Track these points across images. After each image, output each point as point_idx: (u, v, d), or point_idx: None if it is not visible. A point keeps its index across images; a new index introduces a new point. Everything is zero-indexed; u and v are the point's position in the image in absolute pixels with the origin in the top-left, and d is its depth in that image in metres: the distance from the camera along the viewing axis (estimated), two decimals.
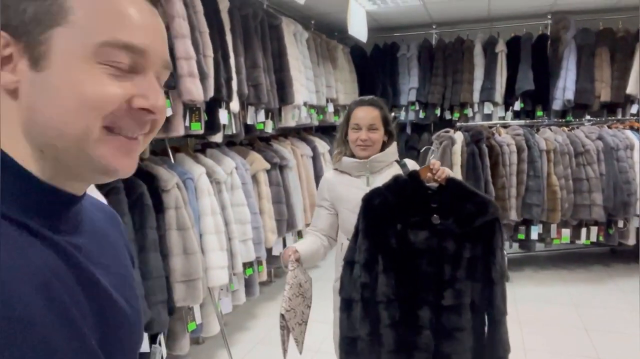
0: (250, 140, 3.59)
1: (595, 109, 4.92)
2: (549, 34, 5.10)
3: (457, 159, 3.56)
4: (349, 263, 1.56)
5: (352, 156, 1.83)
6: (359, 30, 4.27)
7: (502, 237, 1.52)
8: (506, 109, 5.17)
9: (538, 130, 4.05)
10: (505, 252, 3.36)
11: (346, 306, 1.55)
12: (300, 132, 4.47)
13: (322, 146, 4.36)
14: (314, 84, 4.18)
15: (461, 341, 1.47)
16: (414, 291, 1.47)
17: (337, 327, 1.63)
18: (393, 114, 5.36)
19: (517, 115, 5.09)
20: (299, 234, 3.67)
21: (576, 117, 4.79)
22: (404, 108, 5.55)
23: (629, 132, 4.05)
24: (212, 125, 2.73)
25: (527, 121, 4.30)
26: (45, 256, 0.45)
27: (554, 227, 3.89)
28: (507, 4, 4.76)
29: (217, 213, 2.60)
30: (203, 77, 2.47)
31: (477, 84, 5.22)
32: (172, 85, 2.26)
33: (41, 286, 0.43)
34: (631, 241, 3.97)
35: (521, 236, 3.92)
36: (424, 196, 1.50)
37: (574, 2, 4.71)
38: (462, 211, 1.46)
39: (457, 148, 3.58)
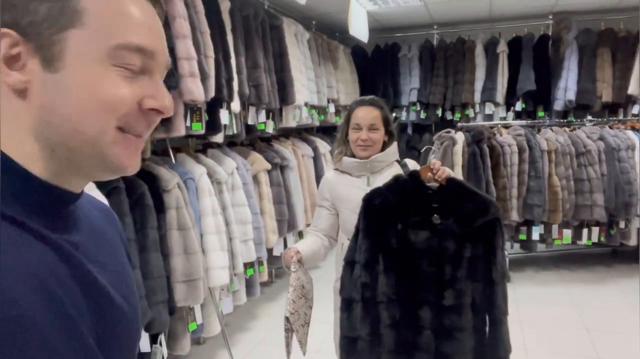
0: (251, 140, 3.59)
1: (597, 110, 4.91)
2: (550, 34, 5.09)
3: (458, 159, 3.56)
4: (349, 263, 1.56)
5: (353, 156, 1.83)
6: (360, 30, 4.27)
7: (502, 237, 1.51)
8: (507, 110, 5.17)
9: (539, 130, 4.04)
10: (506, 253, 3.37)
11: (346, 306, 1.54)
12: (301, 133, 4.47)
13: (323, 146, 4.36)
14: (315, 85, 4.18)
15: (462, 341, 1.47)
16: (414, 291, 1.47)
17: (338, 327, 1.63)
18: (394, 114, 5.36)
19: (518, 115, 5.08)
20: (300, 235, 3.67)
21: (577, 117, 4.78)
22: (405, 108, 5.55)
23: (630, 133, 4.04)
24: (213, 125, 2.73)
25: (529, 122, 4.30)
26: (43, 255, 0.45)
27: (555, 227, 3.89)
28: (508, 5, 4.75)
29: (218, 213, 2.60)
30: (204, 78, 2.47)
31: (479, 85, 5.21)
32: (173, 86, 2.26)
33: (39, 285, 0.43)
34: (632, 241, 3.96)
35: (522, 237, 3.91)
36: (425, 195, 1.50)
37: (575, 3, 4.70)
38: (462, 210, 1.46)
39: (458, 148, 3.57)
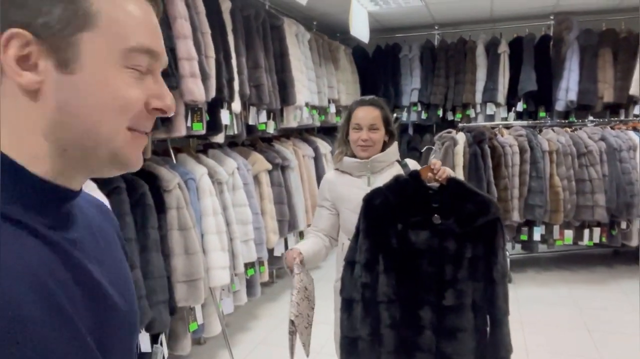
0: (252, 140, 3.60)
1: (598, 110, 4.91)
2: (551, 34, 5.09)
3: (460, 160, 3.55)
4: (349, 263, 1.55)
5: (353, 156, 1.82)
6: (360, 31, 4.27)
7: (503, 237, 1.51)
8: (509, 110, 5.17)
9: (541, 131, 4.04)
10: (507, 253, 3.36)
11: (347, 306, 1.54)
12: (302, 133, 4.47)
13: (323, 146, 4.36)
14: (316, 85, 4.18)
15: (463, 341, 1.47)
16: (414, 291, 1.47)
17: (339, 327, 1.63)
18: (395, 114, 5.36)
19: (519, 116, 5.08)
20: (301, 235, 3.67)
21: (579, 118, 4.78)
22: (406, 109, 5.54)
23: (631, 133, 4.03)
24: (214, 125, 2.73)
25: (530, 122, 4.29)
26: (40, 254, 0.45)
27: (556, 228, 3.88)
28: (509, 5, 4.75)
29: (218, 213, 2.60)
30: (205, 78, 2.48)
31: (480, 85, 5.21)
32: (174, 86, 2.27)
33: (37, 284, 0.43)
34: (634, 242, 3.95)
35: (524, 237, 3.91)
36: (425, 195, 1.49)
37: (576, 3, 4.70)
38: (463, 210, 1.46)
39: (460, 149, 3.57)
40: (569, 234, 3.92)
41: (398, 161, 1.84)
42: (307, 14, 4.61)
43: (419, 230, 1.47)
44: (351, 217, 1.65)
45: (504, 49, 5.11)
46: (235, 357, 2.75)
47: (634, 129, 4.13)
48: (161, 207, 2.27)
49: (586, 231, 3.93)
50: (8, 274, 0.40)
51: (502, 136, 3.84)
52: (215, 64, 2.63)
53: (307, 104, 3.97)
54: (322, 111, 4.48)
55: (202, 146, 3.12)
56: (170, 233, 2.30)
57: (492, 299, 1.49)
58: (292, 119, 3.74)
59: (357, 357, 1.51)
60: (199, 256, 2.36)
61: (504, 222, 3.62)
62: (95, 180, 1.95)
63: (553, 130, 4.03)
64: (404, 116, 5.55)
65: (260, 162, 3.25)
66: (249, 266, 2.97)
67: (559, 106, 4.90)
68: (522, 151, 3.72)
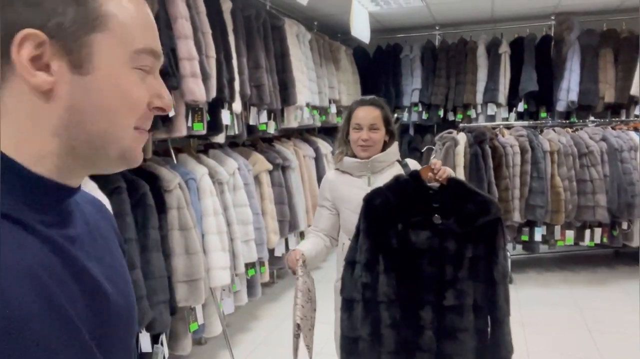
0: (252, 141, 3.60)
1: (599, 110, 4.90)
2: (552, 35, 5.08)
3: (460, 160, 3.55)
4: (350, 263, 1.55)
5: (354, 156, 1.82)
6: (361, 31, 4.27)
7: (504, 237, 1.51)
8: (510, 110, 5.16)
9: (542, 131, 4.03)
10: (508, 254, 3.36)
11: (347, 306, 1.54)
12: (303, 133, 4.47)
13: (324, 147, 4.36)
14: (317, 85, 4.18)
15: (463, 341, 1.47)
16: (415, 291, 1.47)
17: (339, 327, 1.63)
18: (396, 115, 5.35)
19: (520, 116, 5.07)
20: (301, 235, 3.67)
21: (580, 118, 4.77)
22: (406, 109, 5.54)
23: (633, 134, 4.03)
24: (215, 126, 2.73)
25: (531, 122, 4.28)
26: (39, 252, 0.45)
27: (557, 228, 3.87)
28: (510, 5, 4.75)
29: (219, 214, 2.60)
30: (205, 78, 2.48)
31: (481, 85, 5.21)
32: (174, 86, 2.27)
33: (35, 283, 0.43)
34: (635, 242, 3.94)
35: (525, 238, 3.90)
36: (425, 195, 1.49)
37: (577, 3, 4.69)
38: (463, 210, 1.46)
39: (460, 149, 3.57)
40: (570, 234, 3.91)
41: (398, 161, 1.84)
42: (308, 15, 4.61)
43: (420, 230, 1.47)
44: (351, 217, 1.65)
45: (504, 49, 5.11)
46: (235, 357, 2.75)
47: (635, 129, 4.13)
48: (162, 208, 2.27)
49: (587, 232, 3.93)
50: (7, 273, 0.40)
51: (503, 136, 3.84)
52: (216, 64, 2.64)
53: (307, 105, 3.97)
54: (322, 111, 4.48)
55: (203, 146, 3.13)
56: (170, 233, 2.30)
57: (493, 300, 1.48)
58: (293, 120, 3.74)
59: (357, 357, 1.51)
60: (200, 256, 2.36)
61: (505, 223, 3.62)
62: (95, 180, 1.96)
63: (554, 130, 4.03)
64: (405, 116, 5.54)
65: (261, 162, 3.25)
66: (249, 266, 2.97)
67: (560, 106, 4.90)
68: (523, 151, 3.71)
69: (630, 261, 4.19)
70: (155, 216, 2.19)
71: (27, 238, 0.44)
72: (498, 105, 5.15)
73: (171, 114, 2.31)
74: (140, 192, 2.15)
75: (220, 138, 2.90)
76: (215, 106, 2.70)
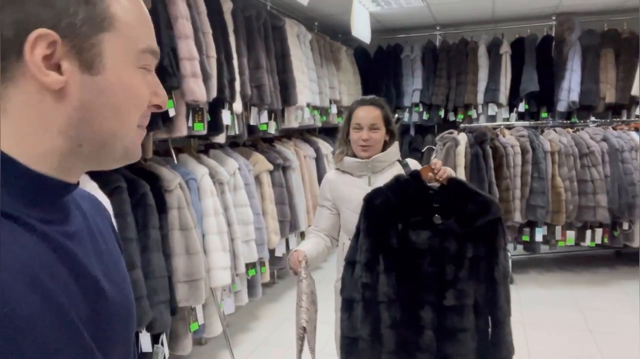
0: (253, 141, 3.60)
1: (600, 111, 4.90)
2: (553, 35, 5.08)
3: (461, 160, 3.55)
4: (350, 263, 1.55)
5: (354, 155, 1.82)
6: (362, 31, 4.27)
7: (504, 238, 1.51)
8: (510, 111, 5.16)
9: (542, 131, 4.03)
10: (509, 254, 3.35)
11: (347, 306, 1.54)
12: (304, 134, 4.47)
13: (325, 147, 4.36)
14: (317, 86, 4.18)
15: (464, 342, 1.46)
16: (415, 291, 1.47)
17: (339, 327, 1.62)
18: (397, 115, 5.35)
19: (521, 116, 5.07)
20: (302, 236, 3.67)
21: (581, 118, 4.77)
22: (407, 110, 5.54)
23: (634, 134, 4.02)
24: (215, 126, 2.73)
25: (532, 123, 4.28)
26: (38, 251, 0.45)
27: (558, 229, 3.87)
28: (511, 6, 4.75)
29: (219, 214, 2.60)
30: (206, 78, 2.48)
31: (482, 86, 5.20)
32: (175, 86, 2.27)
33: (33, 281, 0.42)
34: (636, 243, 3.93)
35: (525, 238, 3.90)
36: (426, 195, 1.49)
37: (578, 4, 4.69)
38: (463, 210, 1.46)
39: (461, 149, 3.57)
40: (570, 235, 3.91)
41: (399, 161, 1.84)
42: (309, 15, 4.61)
43: (420, 230, 1.47)
44: (352, 217, 1.65)
45: (505, 49, 5.11)
46: (236, 357, 2.75)
47: (636, 129, 4.12)
48: (162, 208, 2.27)
49: (588, 232, 3.92)
50: (6, 272, 0.40)
51: (503, 136, 3.83)
52: (217, 64, 2.64)
53: (308, 105, 3.97)
54: (323, 111, 4.48)
55: (204, 146, 3.13)
56: (171, 233, 2.30)
57: (494, 300, 1.48)
58: (294, 120, 3.74)
59: (357, 357, 1.51)
60: (200, 256, 2.36)
61: (506, 223, 3.63)
62: (96, 180, 1.96)
63: (555, 130, 4.02)
64: (406, 117, 5.54)
65: (261, 162, 3.25)
66: (250, 266, 2.97)
67: (561, 107, 4.89)
68: (523, 152, 3.71)
69: (631, 261, 4.19)
70: (156, 216, 2.19)
71: (25, 236, 0.44)
72: (499, 105, 5.14)
73: (172, 114, 2.31)
74: (140, 192, 2.15)
75: (220, 138, 2.90)
76: (215, 106, 2.70)
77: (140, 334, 2.09)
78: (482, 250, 1.48)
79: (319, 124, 4.45)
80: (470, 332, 1.47)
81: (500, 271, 1.48)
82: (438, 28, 5.58)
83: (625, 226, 3.92)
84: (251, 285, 3.10)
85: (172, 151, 2.67)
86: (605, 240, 3.95)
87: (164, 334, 2.26)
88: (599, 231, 3.92)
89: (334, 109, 4.66)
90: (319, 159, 4.21)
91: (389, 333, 1.46)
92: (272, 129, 3.44)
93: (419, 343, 1.46)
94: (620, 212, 3.81)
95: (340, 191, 1.82)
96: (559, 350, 2.84)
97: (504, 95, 5.09)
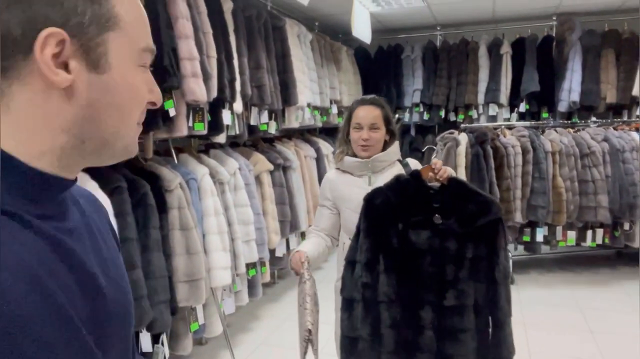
0: (253, 141, 3.60)
1: (601, 111, 4.89)
2: (554, 35, 5.08)
3: (462, 160, 3.54)
4: (350, 263, 1.55)
5: (354, 155, 1.82)
6: (363, 31, 4.27)
7: (505, 238, 1.50)
8: (511, 111, 5.15)
9: (543, 131, 4.03)
10: (510, 254, 3.35)
11: (347, 305, 1.54)
12: (304, 134, 4.47)
13: (325, 147, 4.36)
14: (318, 86, 4.18)
15: (464, 342, 1.46)
16: (415, 291, 1.46)
17: (339, 327, 1.62)
18: (397, 115, 5.35)
19: (522, 117, 5.06)
20: (302, 236, 3.67)
21: (582, 118, 4.76)
22: (408, 110, 5.54)
23: (634, 134, 4.02)
24: (216, 126, 2.73)
25: (532, 123, 4.28)
26: (37, 248, 0.45)
27: (559, 229, 3.87)
28: (511, 6, 4.74)
29: (220, 214, 2.60)
30: (206, 78, 2.48)
31: (482, 86, 5.20)
32: (175, 86, 2.27)
33: (32, 279, 0.42)
34: (637, 243, 3.93)
35: (526, 238, 3.89)
36: (426, 195, 1.49)
37: (579, 4, 4.69)
38: (464, 210, 1.45)
39: (462, 149, 3.56)
40: (571, 235, 3.90)
41: (399, 161, 1.84)
42: (309, 15, 4.61)
43: (420, 230, 1.47)
44: (352, 217, 1.64)
45: (506, 49, 5.10)
46: (236, 357, 2.75)
47: (637, 129, 4.12)
48: (163, 207, 2.27)
49: (589, 232, 3.92)
50: (5, 270, 0.40)
51: (504, 136, 3.83)
52: (217, 64, 2.64)
53: (309, 105, 3.97)
54: (323, 111, 4.48)
55: (204, 146, 3.13)
56: (171, 233, 2.30)
57: (494, 300, 1.48)
58: (294, 120, 3.74)
59: (357, 357, 1.51)
60: (201, 256, 2.36)
61: (507, 223, 3.63)
62: (96, 180, 1.96)
63: (556, 131, 4.02)
64: (406, 117, 5.54)
65: (261, 162, 3.25)
66: (250, 266, 2.97)
67: (562, 107, 4.89)
68: (524, 152, 3.71)
69: (631, 261, 4.18)
70: (156, 216, 2.19)
71: (24, 233, 0.44)
72: (500, 105, 5.14)
73: (172, 113, 2.31)
74: (141, 192, 2.15)
75: (221, 138, 2.90)
76: (216, 106, 2.70)
77: (140, 334, 2.09)
78: (482, 250, 1.47)
79: (320, 124, 4.45)
80: (470, 332, 1.46)
81: (500, 271, 1.47)
82: (438, 28, 5.58)
83: (626, 226, 3.91)
84: (251, 285, 3.10)
85: (173, 150, 2.67)
86: (606, 240, 3.95)
87: (164, 334, 2.26)
88: (599, 232, 3.91)
89: (334, 109, 4.66)
90: (319, 159, 4.21)
91: (389, 332, 1.46)
92: (273, 129, 3.44)
93: (419, 343, 1.46)
94: (621, 212, 3.81)
95: (340, 191, 1.82)
96: (560, 350, 2.83)
97: (504, 95, 5.09)
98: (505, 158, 3.66)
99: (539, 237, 3.84)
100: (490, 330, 1.50)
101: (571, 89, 4.79)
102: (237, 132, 3.05)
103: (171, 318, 2.23)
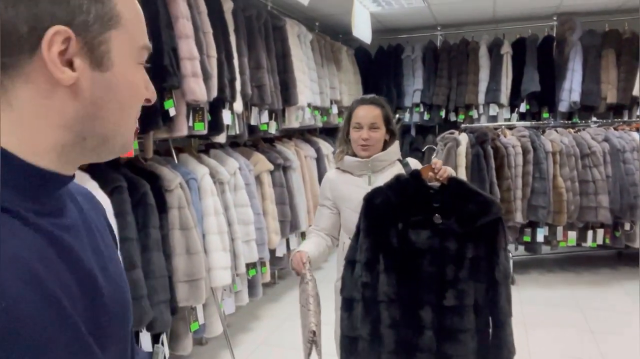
0: (254, 141, 3.60)
1: (602, 111, 4.89)
2: (554, 35, 5.07)
3: (462, 160, 3.54)
4: (350, 262, 1.55)
5: (354, 155, 1.82)
6: (363, 31, 4.27)
7: (505, 238, 1.50)
8: (512, 111, 5.15)
9: (544, 132, 4.02)
10: (510, 255, 3.35)
11: (347, 305, 1.54)
12: (304, 134, 4.47)
13: (325, 147, 4.36)
14: (318, 86, 4.18)
15: (464, 342, 1.46)
16: (415, 291, 1.46)
17: (339, 327, 1.62)
18: (397, 115, 5.35)
19: (522, 117, 5.06)
20: (302, 236, 3.67)
21: (582, 118, 4.76)
22: (408, 110, 5.54)
23: (635, 134, 4.01)
24: (216, 125, 2.73)
25: (533, 123, 4.27)
26: (35, 245, 0.45)
27: (559, 229, 3.86)
28: (512, 6, 4.74)
29: (220, 213, 2.60)
30: (207, 78, 2.48)
31: (483, 86, 5.20)
32: (175, 85, 2.27)
33: (33, 278, 0.42)
34: (637, 243, 3.92)
35: (527, 239, 3.89)
36: (426, 195, 1.49)
37: (579, 4, 4.69)
38: (464, 210, 1.45)
39: (462, 150, 3.56)
40: (572, 235, 3.90)
41: (399, 160, 1.84)
42: (309, 15, 4.61)
43: (420, 229, 1.47)
44: (352, 217, 1.64)
45: (506, 49, 5.10)
46: (236, 357, 2.75)
47: (638, 129, 4.11)
48: (163, 207, 2.27)
49: (589, 233, 3.92)
50: (4, 268, 0.40)
51: (505, 136, 3.83)
52: (217, 63, 2.64)
53: (309, 105, 3.97)
54: (324, 111, 4.48)
55: (204, 146, 3.13)
56: (171, 233, 2.30)
57: (495, 300, 1.48)
58: (294, 120, 3.74)
59: (357, 357, 1.51)
60: (201, 256, 2.36)
61: (507, 224, 3.63)
62: (96, 179, 1.96)
63: (556, 131, 4.02)
64: (407, 117, 5.54)
65: (262, 162, 3.25)
66: (250, 266, 2.97)
67: (562, 107, 4.89)
68: (525, 152, 3.71)
69: (632, 262, 4.17)
70: (156, 216, 2.19)
71: (23, 230, 0.44)
72: (500, 105, 5.13)
73: (172, 113, 2.31)
74: (141, 192, 2.15)
75: (221, 138, 2.90)
76: (216, 106, 2.70)
77: (140, 334, 2.09)
78: (482, 250, 1.47)
79: (320, 124, 4.45)
80: (470, 332, 1.46)
81: (500, 271, 1.47)
82: (439, 28, 5.57)
83: (627, 226, 3.91)
84: (252, 285, 3.10)
85: (173, 150, 2.67)
86: (607, 241, 3.94)
87: (164, 334, 2.26)
88: (600, 232, 3.91)
89: (334, 109, 4.66)
90: (319, 159, 4.21)
91: (388, 332, 1.46)
92: (273, 129, 3.44)
93: (419, 343, 1.45)
94: (621, 212, 3.80)
95: (340, 190, 1.82)
96: (560, 350, 2.83)
97: (505, 95, 5.09)
98: (506, 158, 3.66)
99: (540, 238, 3.83)
100: (490, 330, 1.50)
101: (572, 89, 4.79)
102: (237, 132, 3.05)
103: (171, 318, 2.23)
